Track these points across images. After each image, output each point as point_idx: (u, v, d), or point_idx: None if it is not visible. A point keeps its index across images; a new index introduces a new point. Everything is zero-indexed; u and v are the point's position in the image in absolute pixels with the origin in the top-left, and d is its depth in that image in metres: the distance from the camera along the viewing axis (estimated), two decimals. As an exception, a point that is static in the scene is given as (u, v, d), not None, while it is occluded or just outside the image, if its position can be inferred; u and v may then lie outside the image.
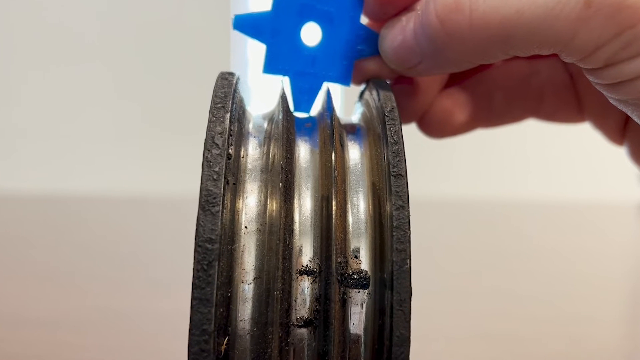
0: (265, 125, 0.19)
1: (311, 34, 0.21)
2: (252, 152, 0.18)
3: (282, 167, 0.17)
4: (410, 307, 0.15)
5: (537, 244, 0.66)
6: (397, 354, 0.15)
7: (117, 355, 0.31)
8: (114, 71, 1.09)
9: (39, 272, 0.48)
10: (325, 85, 0.22)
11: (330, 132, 0.18)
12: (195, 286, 0.15)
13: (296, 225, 0.17)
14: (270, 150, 0.18)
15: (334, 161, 0.17)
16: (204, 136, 0.16)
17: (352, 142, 0.19)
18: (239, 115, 0.18)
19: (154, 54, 1.09)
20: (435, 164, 1.05)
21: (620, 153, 0.26)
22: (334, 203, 0.17)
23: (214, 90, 0.18)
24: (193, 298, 0.15)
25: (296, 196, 0.17)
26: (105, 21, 1.08)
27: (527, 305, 0.42)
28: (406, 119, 0.24)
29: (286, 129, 0.18)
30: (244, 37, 0.21)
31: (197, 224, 0.15)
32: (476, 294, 0.45)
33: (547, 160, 1.09)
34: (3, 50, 1.08)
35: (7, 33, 1.08)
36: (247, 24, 0.20)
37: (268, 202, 0.17)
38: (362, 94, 0.22)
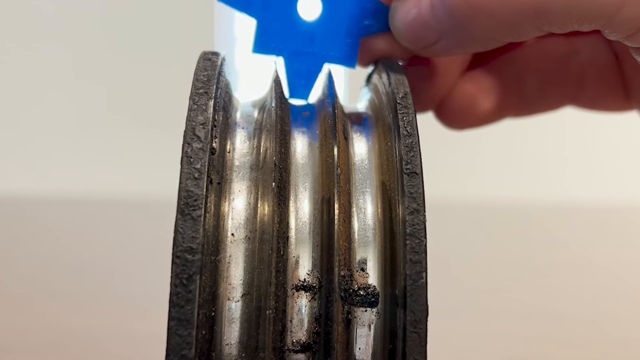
0: (256, 114, 0.19)
1: (310, 6, 0.21)
2: (240, 146, 0.18)
3: (275, 164, 0.17)
4: (426, 329, 0.15)
5: (576, 255, 0.66)
6: (411, 383, 0.15)
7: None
8: (74, 50, 1.08)
9: (-12, 287, 0.48)
10: (326, 67, 0.22)
11: (332, 123, 0.18)
12: (173, 304, 0.15)
13: (292, 232, 0.17)
14: (262, 144, 0.18)
15: (336, 157, 0.17)
16: (182, 127, 0.16)
17: (358, 134, 0.19)
18: (225, 103, 0.18)
19: (123, 30, 1.09)
20: (456, 160, 1.04)
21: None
22: (336, 206, 0.17)
23: (195, 73, 0.18)
24: (170, 318, 0.15)
25: (292, 198, 0.17)
26: (66, -9, 1.08)
27: (565, 327, 0.42)
28: (422, 107, 0.24)
29: (280, 118, 0.18)
30: (230, 11, 0.21)
31: (175, 231, 0.15)
32: (504, 314, 0.45)
33: (588, 156, 1.09)
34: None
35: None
36: (234, -5, 0.20)
37: (259, 205, 0.17)
38: (369, 77, 0.22)
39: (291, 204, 0.17)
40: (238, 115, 0.19)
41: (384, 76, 0.19)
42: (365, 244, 0.17)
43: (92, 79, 1.09)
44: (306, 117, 0.19)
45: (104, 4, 1.10)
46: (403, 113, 0.18)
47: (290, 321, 0.16)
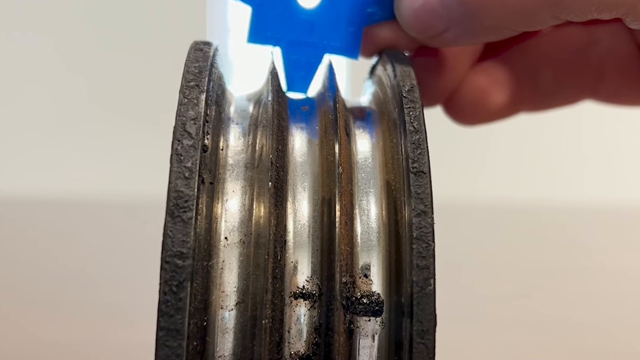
0: (251, 108, 0.19)
1: (309, -8, 0.21)
2: (234, 142, 0.18)
3: (271, 162, 0.17)
4: (434, 339, 0.15)
5: (596, 260, 0.66)
6: (418, 398, 0.15)
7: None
8: (55, 40, 1.08)
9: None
10: (327, 58, 0.22)
11: (333, 118, 0.18)
12: (161, 313, 0.15)
13: (290, 236, 0.17)
14: (257, 141, 0.18)
15: (337, 154, 0.17)
16: (172, 123, 0.16)
17: (361, 130, 0.19)
18: (218, 97, 0.18)
19: (108, 18, 1.09)
20: (466, 159, 1.04)
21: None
22: (337, 207, 0.17)
23: (186, 65, 0.18)
24: (159, 328, 0.15)
25: (290, 199, 0.17)
26: (48, -23, 1.08)
27: (584, 337, 0.42)
28: (430, 101, 0.24)
29: (277, 113, 0.18)
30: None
31: (165, 235, 0.15)
32: (518, 323, 0.44)
33: (609, 154, 1.09)
34: None
35: None
36: (228, -19, 0.20)
37: (254, 207, 0.17)
38: (373, 69, 0.22)
39: (289, 205, 0.17)
40: (232, 109, 0.19)
41: (389, 68, 0.19)
42: (369, 249, 0.17)
43: (75, 71, 1.09)
44: (305, 111, 0.19)
45: (88, -10, 1.10)
46: (409, 107, 0.18)
47: (288, 331, 0.16)
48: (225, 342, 0.16)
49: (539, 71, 0.25)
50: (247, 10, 0.21)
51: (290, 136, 0.18)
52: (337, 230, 0.16)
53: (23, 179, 1.05)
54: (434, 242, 0.16)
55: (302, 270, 0.16)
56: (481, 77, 0.25)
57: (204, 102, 0.17)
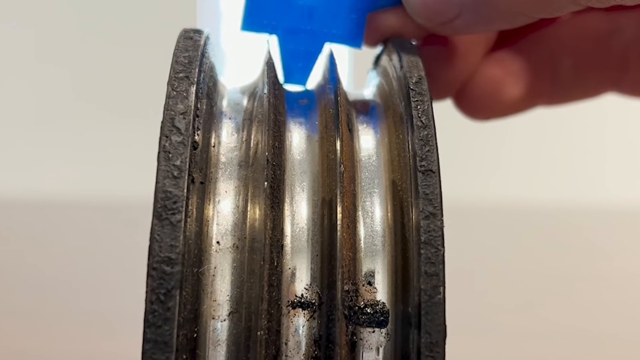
0: (245, 102, 0.19)
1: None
2: (227, 139, 0.18)
3: (267, 160, 0.17)
4: (444, 352, 0.15)
5: (620, 267, 0.66)
6: (427, 416, 0.15)
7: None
8: (38, 29, 1.08)
9: None
10: (327, 47, 0.22)
11: (334, 112, 0.18)
12: (148, 324, 0.15)
13: (287, 240, 0.17)
14: (252, 137, 0.18)
15: (339, 152, 0.17)
16: (160, 118, 0.16)
17: (365, 125, 0.19)
18: (209, 89, 0.18)
19: (91, 5, 1.09)
20: (478, 156, 1.04)
21: None
22: (339, 209, 0.17)
23: (175, 55, 0.18)
24: (145, 340, 0.15)
25: (287, 200, 0.17)
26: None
27: (605, 350, 0.42)
28: (439, 94, 0.24)
29: (274, 107, 0.18)
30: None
31: (151, 239, 0.15)
32: (536, 334, 0.44)
33: (634, 151, 1.09)
34: None
35: None
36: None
37: (249, 208, 0.17)
38: (377, 59, 0.22)
39: (286, 206, 0.17)
40: (224, 103, 0.19)
41: (395, 58, 0.19)
42: (373, 254, 0.17)
43: (55, 62, 1.09)
44: (304, 105, 0.19)
45: (68, -26, 1.10)
46: (417, 101, 0.18)
47: (286, 344, 0.16)
48: (217, 356, 0.16)
49: (558, 61, 0.25)
50: (241, -5, 0.21)
51: (287, 132, 0.18)
52: (338, 234, 0.16)
53: (-1, 178, 1.05)
54: (443, 246, 0.16)
55: (301, 278, 0.16)
56: (495, 68, 0.25)
57: (194, 95, 0.17)
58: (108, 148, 1.06)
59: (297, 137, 0.18)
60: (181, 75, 0.17)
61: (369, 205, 0.17)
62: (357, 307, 0.16)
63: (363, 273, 0.17)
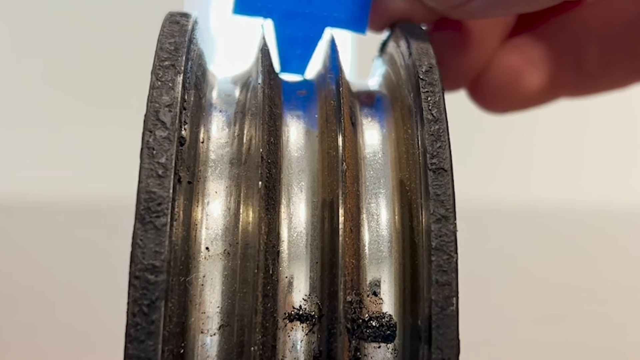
0: (237, 93, 0.19)
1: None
2: (217, 134, 0.18)
3: (262, 157, 0.17)
4: (457, 370, 0.15)
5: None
6: None
7: None
8: (5, 11, 1.08)
9: None
10: (328, 32, 0.22)
11: (335, 104, 0.18)
12: (130, 338, 0.15)
13: (284, 246, 0.17)
14: (245, 132, 0.18)
15: (341, 148, 0.17)
16: (143, 110, 0.16)
17: (369, 118, 0.19)
18: (197, 79, 0.18)
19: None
20: (495, 154, 1.05)
21: None
22: (341, 212, 0.17)
23: (159, 41, 0.18)
24: (127, 356, 0.15)
25: (284, 201, 0.17)
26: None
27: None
28: (452, 84, 0.24)
29: (269, 98, 0.18)
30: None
31: (134, 244, 0.15)
32: (558, 351, 0.45)
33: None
34: None
35: None
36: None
37: (241, 211, 0.17)
38: (384, 45, 0.22)
39: (283, 209, 0.17)
40: (214, 94, 0.19)
41: (403, 44, 0.19)
42: (379, 261, 0.17)
43: (26, 48, 1.09)
44: (302, 96, 0.19)
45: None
46: (427, 92, 0.18)
47: (282, 360, 0.16)
48: (206, 373, 0.16)
49: (583, 48, 0.25)
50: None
51: (284, 126, 0.18)
52: (340, 239, 0.16)
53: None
54: (456, 253, 0.16)
55: (299, 287, 0.16)
56: (513, 56, 0.25)
57: (180, 86, 0.17)
58: (86, 144, 1.06)
59: (295, 132, 0.18)
60: (166, 63, 0.17)
61: (374, 207, 0.17)
62: (361, 320, 0.16)
63: (367, 282, 0.17)
